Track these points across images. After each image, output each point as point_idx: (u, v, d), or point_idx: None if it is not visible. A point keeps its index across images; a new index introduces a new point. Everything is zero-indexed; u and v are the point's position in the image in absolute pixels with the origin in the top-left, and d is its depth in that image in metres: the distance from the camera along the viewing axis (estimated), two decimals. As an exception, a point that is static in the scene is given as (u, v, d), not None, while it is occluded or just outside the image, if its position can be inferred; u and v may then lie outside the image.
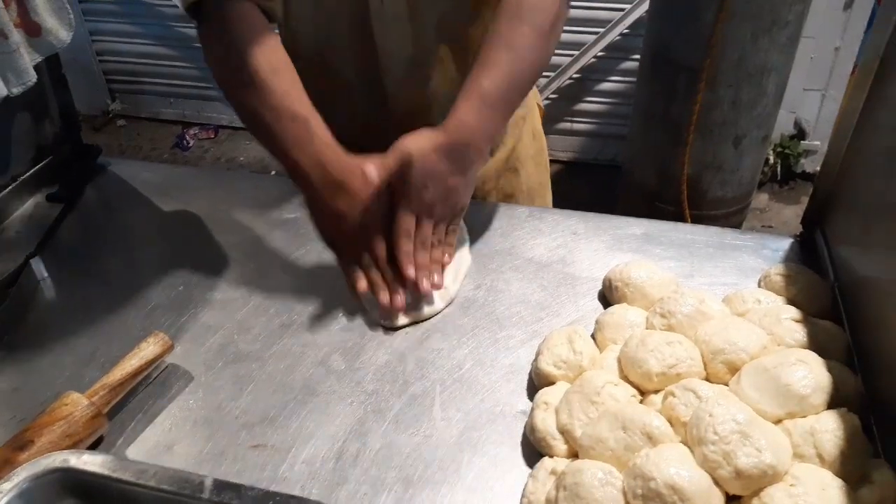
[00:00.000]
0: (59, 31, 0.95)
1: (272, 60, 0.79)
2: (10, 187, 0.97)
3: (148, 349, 0.72)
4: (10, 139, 0.97)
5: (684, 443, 0.58)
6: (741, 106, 2.03)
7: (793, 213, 2.73)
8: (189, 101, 3.29)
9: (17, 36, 0.89)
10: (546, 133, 3.11)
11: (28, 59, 0.91)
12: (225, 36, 0.80)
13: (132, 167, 1.10)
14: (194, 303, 0.84)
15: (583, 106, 2.86)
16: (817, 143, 2.79)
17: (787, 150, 2.77)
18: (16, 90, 0.90)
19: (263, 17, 0.83)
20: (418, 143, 0.78)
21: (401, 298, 0.79)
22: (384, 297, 0.79)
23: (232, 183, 1.07)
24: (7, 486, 0.57)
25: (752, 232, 0.92)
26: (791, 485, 0.53)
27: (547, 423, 0.64)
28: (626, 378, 0.67)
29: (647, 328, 0.72)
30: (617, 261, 0.84)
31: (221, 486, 0.59)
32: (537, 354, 0.72)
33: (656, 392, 0.65)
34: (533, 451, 0.66)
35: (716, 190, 2.24)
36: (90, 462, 0.59)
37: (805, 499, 0.52)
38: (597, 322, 0.76)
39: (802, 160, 2.81)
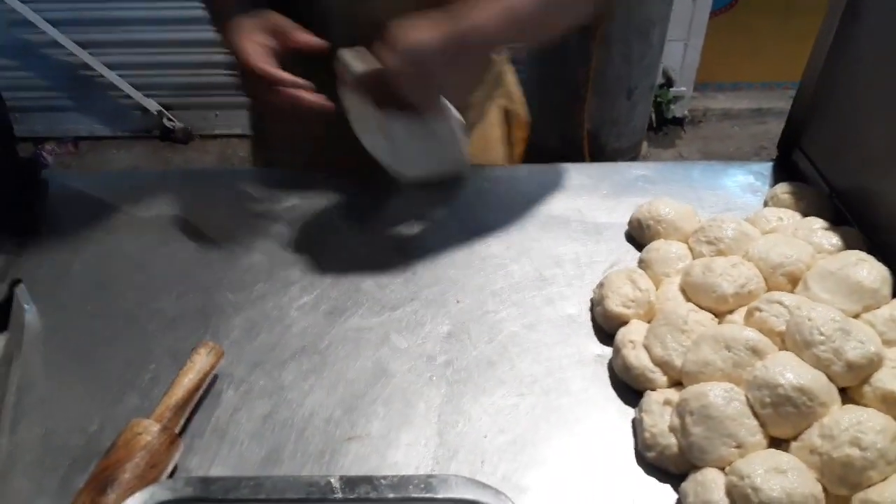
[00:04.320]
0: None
1: None
2: (-50, 215, 0.83)
3: (202, 361, 0.66)
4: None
5: (784, 350, 0.62)
6: (632, 60, 2.15)
7: (671, 156, 2.94)
8: (39, 115, 2.96)
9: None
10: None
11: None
12: None
13: (79, 179, 0.99)
14: (217, 307, 0.77)
15: (469, 76, 2.89)
16: (683, 89, 3.00)
17: (659, 99, 2.96)
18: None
19: None
20: (417, 38, 0.68)
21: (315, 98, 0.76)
22: (307, 97, 0.75)
23: (198, 182, 0.98)
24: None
25: (734, 162, 0.99)
26: (894, 367, 0.58)
27: (641, 360, 0.66)
28: (696, 305, 0.70)
29: (695, 257, 0.76)
30: (630, 203, 0.87)
31: (352, 481, 0.55)
32: (601, 299, 0.73)
33: (730, 312, 0.69)
34: (624, 389, 0.67)
35: (613, 142, 2.37)
36: (200, 488, 0.54)
37: (911, 376, 0.57)
38: (641, 260, 0.78)
39: (672, 106, 3.02)
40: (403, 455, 0.63)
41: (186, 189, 0.95)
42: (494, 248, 0.84)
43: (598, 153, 2.34)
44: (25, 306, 0.76)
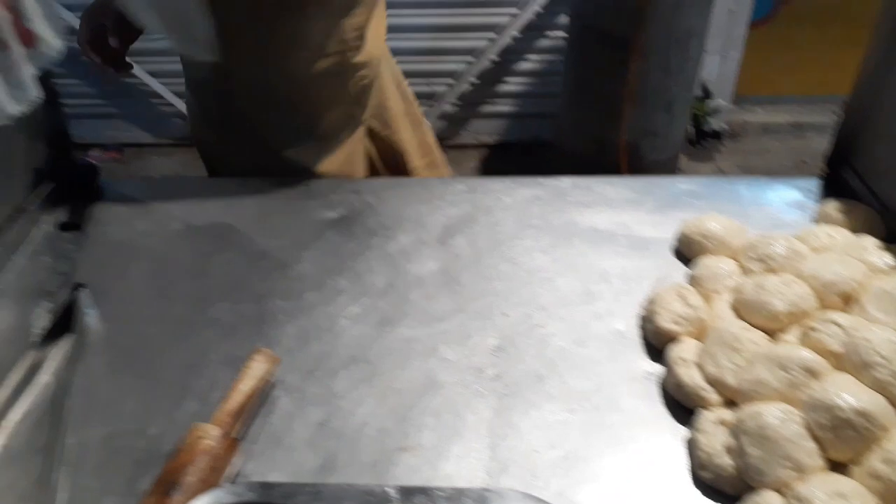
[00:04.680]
0: (54, 40, 0.85)
1: None
2: (17, 218, 0.86)
3: (258, 368, 0.68)
4: (5, 164, 0.87)
5: (841, 371, 0.61)
6: (671, 71, 2.14)
7: (709, 169, 2.91)
8: (84, 122, 3.03)
9: (17, 48, 0.79)
10: (469, 117, 3.11)
11: (27, 73, 0.81)
12: None
13: (133, 186, 1.02)
14: (270, 315, 0.78)
15: (504, 87, 2.90)
16: (721, 101, 2.98)
17: (696, 111, 2.94)
18: (20, 108, 0.80)
19: None
20: None
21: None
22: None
23: (248, 191, 1.00)
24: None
25: (780, 177, 0.98)
26: (955, 392, 0.58)
27: (693, 378, 0.66)
28: (747, 323, 0.70)
29: (744, 274, 0.75)
30: (676, 218, 0.87)
31: (408, 491, 0.56)
32: (651, 315, 0.73)
33: (782, 331, 0.68)
34: (675, 406, 0.67)
35: (650, 154, 2.35)
36: (262, 492, 0.55)
37: (973, 401, 0.56)
38: (691, 277, 0.78)
39: (710, 119, 2.99)
40: (455, 467, 0.63)
41: (237, 197, 0.97)
42: (540, 262, 0.85)
43: (636, 165, 2.33)
44: (88, 311, 0.78)
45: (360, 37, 1.02)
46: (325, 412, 0.68)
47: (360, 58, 1.03)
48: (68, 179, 0.95)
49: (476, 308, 0.79)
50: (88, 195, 0.96)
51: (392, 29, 3.00)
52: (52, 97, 0.91)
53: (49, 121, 0.93)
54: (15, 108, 0.79)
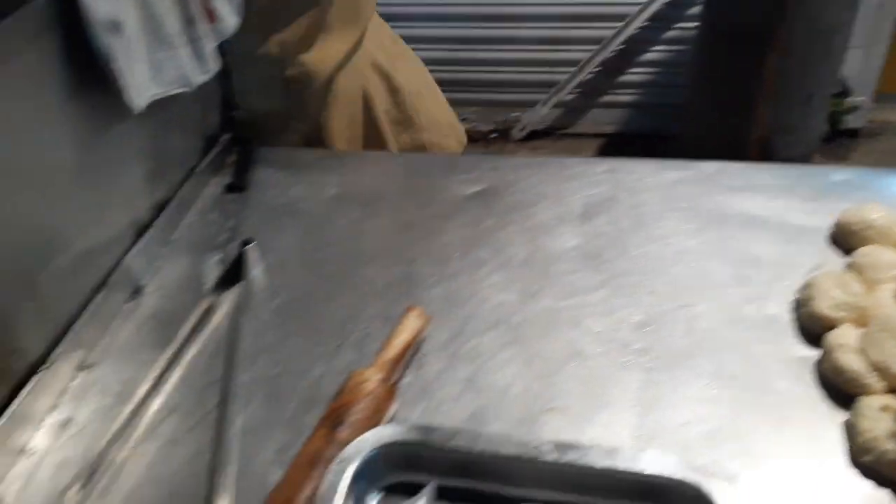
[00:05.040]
0: (231, 17, 0.92)
1: None
2: (190, 179, 0.94)
3: (412, 323, 0.71)
4: (184, 130, 0.95)
5: None
6: (812, 66, 2.04)
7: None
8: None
9: (203, 23, 0.86)
10: (590, 107, 3.06)
11: (209, 47, 0.89)
12: None
13: (286, 154, 1.08)
14: (418, 279, 0.82)
15: (626, 78, 2.85)
16: (861, 99, 2.80)
17: (833, 108, 2.77)
18: (203, 77, 0.88)
19: None
20: None
21: None
22: None
23: (397, 163, 1.05)
24: (354, 453, 0.56)
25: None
26: None
27: (854, 364, 0.64)
28: (915, 314, 0.67)
29: (911, 266, 0.72)
30: (831, 207, 0.84)
31: (562, 446, 0.58)
32: (808, 300, 0.71)
33: (953, 324, 0.65)
34: (831, 392, 0.65)
35: (784, 151, 2.25)
36: (423, 433, 0.59)
37: None
38: (852, 265, 0.76)
39: (847, 117, 2.82)
40: (602, 432, 0.64)
41: (387, 169, 1.03)
42: (689, 244, 0.84)
43: (769, 160, 2.23)
44: (254, 264, 0.85)
45: (284, 52, 1.06)
46: (473, 370, 0.71)
47: (290, 71, 1.07)
48: (228, 145, 1.03)
49: (620, 284, 0.80)
50: (249, 161, 1.03)
51: (516, 18, 2.99)
52: (224, 70, 0.99)
53: (220, 91, 1.01)
54: (198, 78, 0.87)
